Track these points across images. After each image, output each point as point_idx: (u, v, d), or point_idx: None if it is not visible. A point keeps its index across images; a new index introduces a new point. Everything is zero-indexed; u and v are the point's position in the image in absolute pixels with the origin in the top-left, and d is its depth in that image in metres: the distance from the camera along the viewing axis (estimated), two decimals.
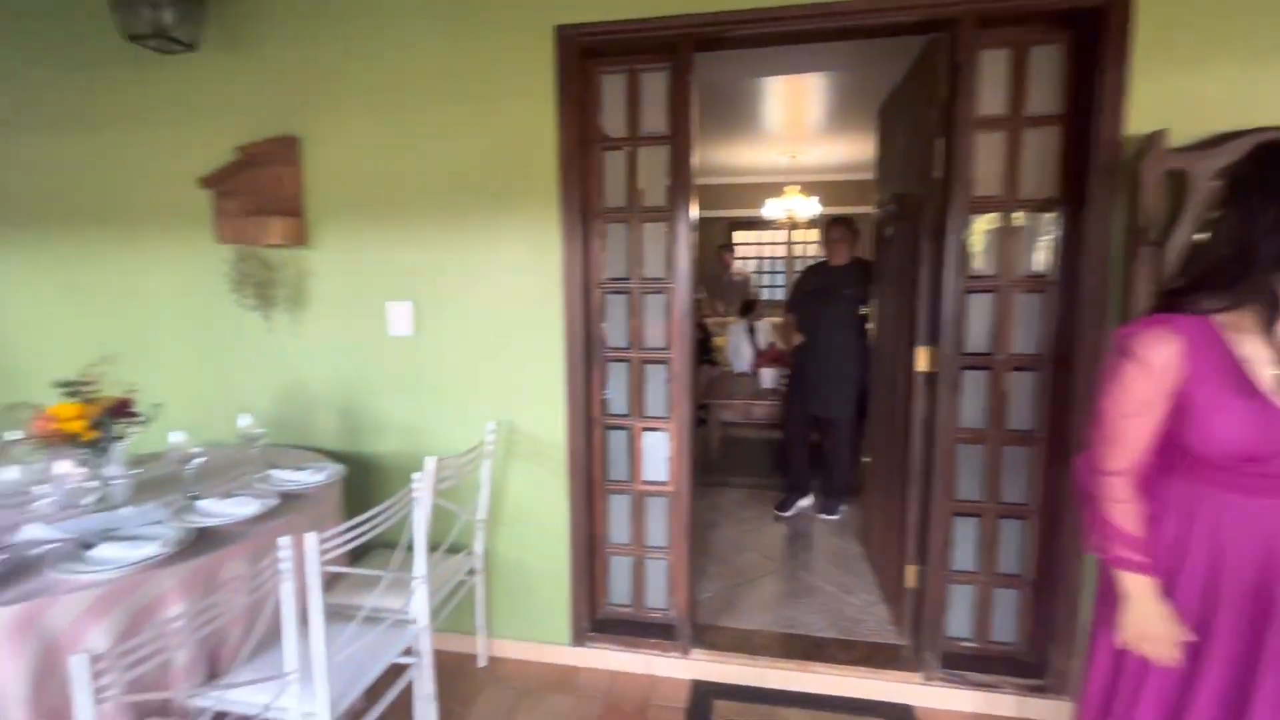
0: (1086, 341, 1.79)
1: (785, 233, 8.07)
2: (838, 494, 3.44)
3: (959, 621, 2.10)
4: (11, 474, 1.54)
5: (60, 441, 1.53)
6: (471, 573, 2.16)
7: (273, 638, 1.42)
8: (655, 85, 2.07)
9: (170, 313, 2.37)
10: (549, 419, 2.15)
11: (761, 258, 8.42)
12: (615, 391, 2.23)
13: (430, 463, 1.71)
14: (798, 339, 3.36)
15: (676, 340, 2.13)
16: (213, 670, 1.46)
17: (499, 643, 2.29)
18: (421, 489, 1.64)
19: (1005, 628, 2.09)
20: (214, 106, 2.22)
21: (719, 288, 6.26)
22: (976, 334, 1.99)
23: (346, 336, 2.24)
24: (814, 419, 3.40)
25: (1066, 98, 1.86)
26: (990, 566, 2.07)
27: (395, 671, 1.68)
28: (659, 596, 2.30)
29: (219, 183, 2.22)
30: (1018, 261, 1.96)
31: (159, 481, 1.81)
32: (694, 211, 2.06)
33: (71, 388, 1.61)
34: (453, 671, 2.18)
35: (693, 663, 2.18)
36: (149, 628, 1.31)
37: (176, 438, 1.76)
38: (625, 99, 2.09)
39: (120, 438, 1.64)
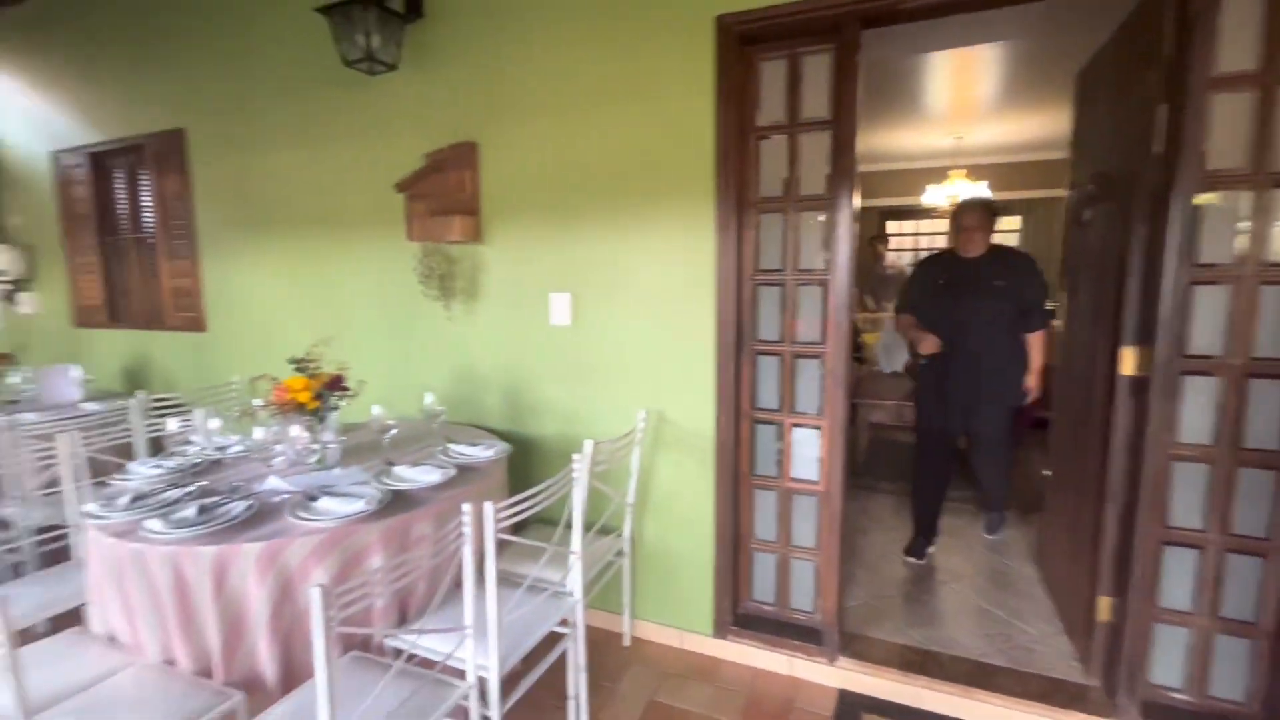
0: None
1: (946, 221, 7.43)
2: (997, 510, 3.07)
3: (1167, 668, 1.81)
4: (258, 434, 1.86)
5: (291, 409, 1.82)
6: (619, 554, 2.24)
7: (450, 595, 1.58)
8: (817, 69, 1.99)
9: (370, 302, 2.72)
10: (698, 410, 2.17)
11: (918, 249, 7.82)
12: (765, 385, 2.19)
13: (588, 446, 1.79)
14: (930, 344, 2.66)
15: (832, 334, 2.04)
16: (401, 617, 1.66)
17: (642, 624, 2.36)
18: (580, 470, 1.73)
19: (1231, 683, 1.76)
20: (408, 118, 2.49)
21: (870, 281, 5.91)
22: (1203, 333, 1.69)
23: (512, 325, 2.42)
24: (952, 440, 2.82)
25: None
26: (1213, 608, 1.75)
27: (550, 642, 1.78)
28: (804, 598, 2.23)
29: (410, 186, 2.49)
30: (1265, 246, 1.62)
31: (361, 448, 2.08)
32: (856, 200, 1.96)
33: (300, 364, 1.89)
34: (599, 647, 2.28)
35: (840, 671, 2.09)
36: (356, 573, 1.52)
37: (377, 411, 2.02)
38: (785, 85, 2.03)
39: (335, 408, 1.91)
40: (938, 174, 6.54)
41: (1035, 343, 2.71)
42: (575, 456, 1.73)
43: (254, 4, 2.81)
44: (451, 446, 2.05)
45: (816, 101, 2.00)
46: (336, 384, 1.89)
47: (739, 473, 2.21)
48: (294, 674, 1.52)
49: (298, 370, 1.89)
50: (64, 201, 3.67)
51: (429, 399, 2.17)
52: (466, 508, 1.41)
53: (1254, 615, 1.71)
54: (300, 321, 2.91)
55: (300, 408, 1.82)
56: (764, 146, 2.09)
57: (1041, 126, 5.41)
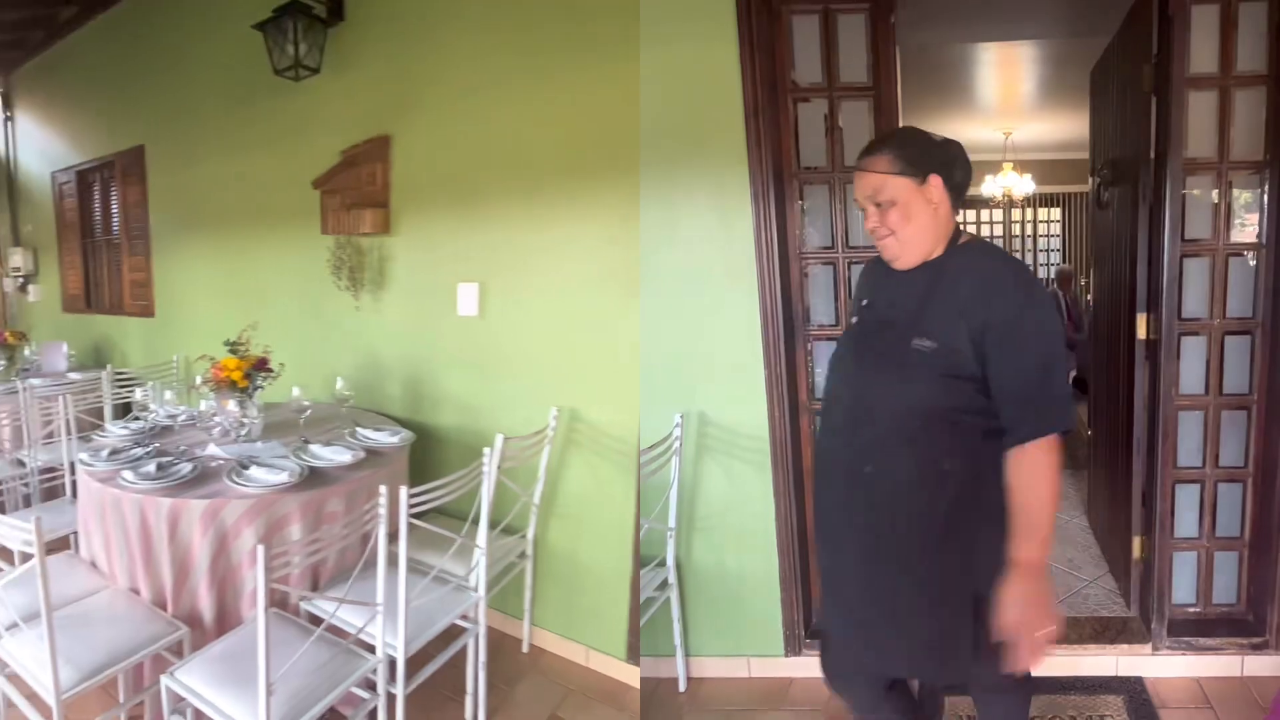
0: None
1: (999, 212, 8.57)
2: None
3: (1183, 588, 2.31)
4: (201, 406, 2.44)
5: (226, 386, 2.29)
6: (522, 556, 2.41)
7: (360, 572, 1.87)
8: (853, 31, 2.07)
9: (289, 292, 3.31)
10: (747, 408, 2.16)
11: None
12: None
13: (498, 440, 2.01)
14: None
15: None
16: (314, 584, 2.02)
17: (542, 633, 2.54)
18: (489, 464, 1.95)
19: (1225, 590, 2.30)
20: (328, 119, 3.00)
21: None
22: (1193, 299, 2.13)
23: (417, 316, 2.85)
24: None
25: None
26: (1210, 531, 2.27)
27: (452, 634, 1.99)
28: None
29: (325, 183, 3.00)
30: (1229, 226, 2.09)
31: (280, 425, 2.53)
32: None
33: (234, 346, 2.36)
34: (496, 648, 2.36)
35: None
36: (278, 538, 1.88)
37: (297, 392, 2.47)
38: (821, 44, 2.08)
39: (260, 387, 2.38)
40: (992, 166, 7.05)
41: None
42: (485, 451, 1.97)
43: (195, 31, 3.59)
44: (359, 430, 2.47)
45: (855, 66, 2.08)
46: (262, 365, 2.36)
47: (803, 471, 2.25)
48: (225, 618, 1.95)
49: (231, 351, 2.33)
50: (59, 211, 5.29)
51: (340, 383, 2.60)
52: (384, 489, 1.66)
53: (1238, 532, 2.26)
54: (230, 309, 3.51)
55: (233, 385, 2.25)
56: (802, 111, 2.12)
57: (1073, 127, 5.95)
